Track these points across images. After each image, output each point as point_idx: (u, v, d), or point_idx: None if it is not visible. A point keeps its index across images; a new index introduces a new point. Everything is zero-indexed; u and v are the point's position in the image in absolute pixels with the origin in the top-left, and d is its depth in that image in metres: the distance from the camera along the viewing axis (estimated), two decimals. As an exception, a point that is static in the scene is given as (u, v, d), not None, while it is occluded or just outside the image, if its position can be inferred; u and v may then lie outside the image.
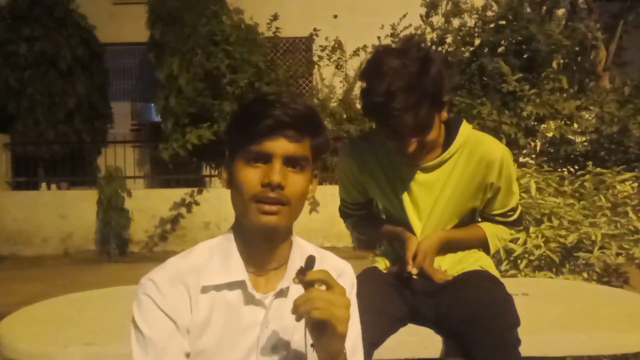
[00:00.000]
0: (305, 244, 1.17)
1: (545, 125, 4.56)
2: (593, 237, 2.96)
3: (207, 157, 7.60)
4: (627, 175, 3.55)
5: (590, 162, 3.98)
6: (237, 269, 1.08)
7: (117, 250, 6.97)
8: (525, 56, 5.30)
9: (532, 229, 3.05)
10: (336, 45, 8.58)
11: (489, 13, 5.68)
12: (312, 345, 1.00)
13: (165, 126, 7.43)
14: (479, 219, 1.81)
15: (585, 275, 2.99)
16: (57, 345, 1.54)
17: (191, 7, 7.51)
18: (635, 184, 3.57)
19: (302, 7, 9.37)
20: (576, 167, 4.52)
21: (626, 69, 7.30)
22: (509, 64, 4.91)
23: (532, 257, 2.97)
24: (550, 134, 4.64)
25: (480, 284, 1.60)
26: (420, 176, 1.65)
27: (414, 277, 1.65)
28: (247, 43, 7.29)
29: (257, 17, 7.75)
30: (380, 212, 1.85)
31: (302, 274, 0.97)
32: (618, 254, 2.97)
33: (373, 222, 1.86)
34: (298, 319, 0.96)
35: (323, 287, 0.97)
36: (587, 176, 3.56)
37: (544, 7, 6.16)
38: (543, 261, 3.00)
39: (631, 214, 3.22)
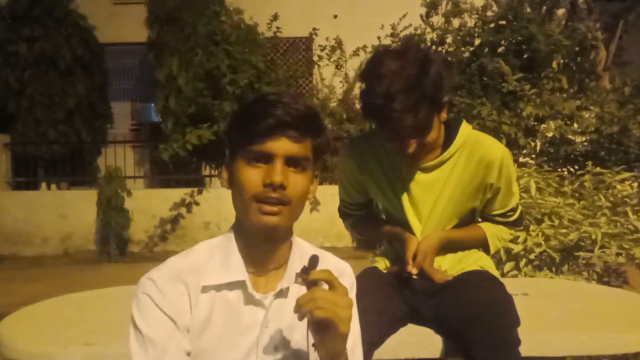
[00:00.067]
0: (305, 245, 1.17)
1: (545, 125, 4.56)
2: (593, 237, 2.96)
3: (207, 157, 7.60)
4: (627, 175, 3.55)
5: (590, 162, 3.98)
6: (237, 269, 1.08)
7: (117, 250, 6.96)
8: (525, 56, 5.30)
9: (532, 227, 3.06)
10: (336, 44, 8.57)
11: (489, 13, 5.68)
12: (313, 345, 1.00)
13: (165, 126, 7.42)
14: (479, 219, 1.81)
15: (585, 275, 3.00)
16: (57, 345, 1.54)
17: (191, 7, 7.50)
18: (635, 184, 3.57)
19: (302, 7, 9.37)
20: (576, 167, 4.52)
21: (626, 69, 7.29)
22: (509, 64, 4.91)
23: (532, 257, 2.98)
24: (550, 134, 4.64)
25: (480, 284, 1.60)
26: (420, 176, 1.65)
27: (414, 277, 1.65)
28: (247, 43, 7.29)
29: (257, 17, 7.75)
30: (380, 212, 1.85)
31: (305, 273, 0.97)
32: (618, 254, 2.97)
33: (373, 222, 1.86)
34: (300, 318, 0.96)
35: (325, 287, 0.97)
36: (587, 176, 3.57)
37: (544, 7, 6.16)
38: (543, 261, 3.01)
39: (631, 214, 3.22)
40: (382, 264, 1.79)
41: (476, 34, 5.56)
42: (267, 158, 1.03)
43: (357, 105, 7.51)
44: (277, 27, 8.03)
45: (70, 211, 7.33)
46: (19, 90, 7.87)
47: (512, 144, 4.35)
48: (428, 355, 1.57)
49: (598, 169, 3.63)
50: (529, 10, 5.67)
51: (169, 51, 7.45)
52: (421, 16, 5.94)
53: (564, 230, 3.02)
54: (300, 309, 0.94)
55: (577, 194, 3.50)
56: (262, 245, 1.08)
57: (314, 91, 9.03)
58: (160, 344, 1.01)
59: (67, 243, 7.32)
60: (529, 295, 1.99)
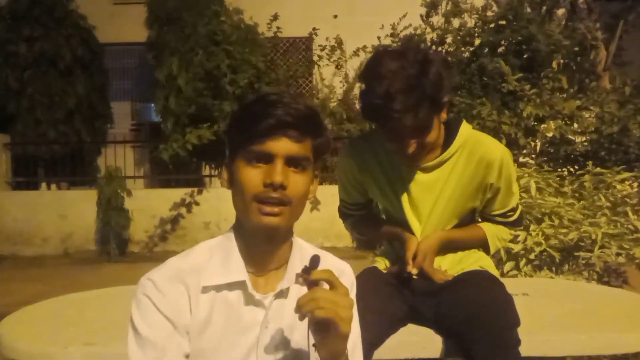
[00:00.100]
0: (305, 245, 1.17)
1: (545, 125, 4.56)
2: (593, 237, 2.96)
3: (207, 157, 7.60)
4: (627, 175, 3.55)
5: (590, 162, 3.98)
6: (237, 269, 1.08)
7: (117, 250, 6.96)
8: (525, 56, 5.30)
9: (532, 227, 3.06)
10: (337, 44, 8.57)
11: (489, 13, 5.68)
12: (314, 345, 1.00)
13: (165, 126, 7.42)
14: (479, 219, 1.81)
15: (585, 275, 3.00)
16: (57, 345, 1.54)
17: (191, 7, 7.50)
18: (635, 184, 3.57)
19: (302, 7, 9.37)
20: (576, 167, 4.52)
21: (626, 69, 7.29)
22: (509, 64, 4.91)
23: (532, 256, 2.98)
24: (550, 134, 4.64)
25: (480, 284, 1.60)
26: (420, 176, 1.65)
27: (414, 277, 1.65)
28: (247, 43, 7.30)
29: (257, 17, 7.75)
30: (380, 212, 1.85)
31: (306, 273, 0.97)
32: (618, 254, 2.98)
33: (373, 222, 1.86)
34: (301, 318, 0.96)
35: (326, 287, 0.97)
36: (587, 176, 3.57)
37: (544, 7, 6.17)
38: (543, 260, 3.01)
39: (631, 214, 3.22)
40: (382, 264, 1.79)
41: (476, 34, 5.56)
42: (268, 158, 1.03)
43: (357, 105, 7.51)
44: (277, 27, 8.03)
45: (70, 211, 7.33)
46: (19, 90, 7.87)
47: (512, 144, 4.35)
48: (428, 355, 1.57)
49: (598, 169, 3.63)
50: (529, 10, 5.67)
51: (168, 51, 7.45)
52: (421, 16, 5.94)
53: (564, 230, 3.02)
54: (301, 309, 0.94)
55: (577, 194, 3.50)
56: (262, 245, 1.08)
57: (314, 91, 9.03)
58: (158, 345, 1.01)
59: (67, 243, 7.32)
60: (529, 295, 1.99)
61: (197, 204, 7.31)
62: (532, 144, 4.77)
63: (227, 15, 7.52)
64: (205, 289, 1.06)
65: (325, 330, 0.96)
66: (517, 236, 2.97)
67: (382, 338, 1.51)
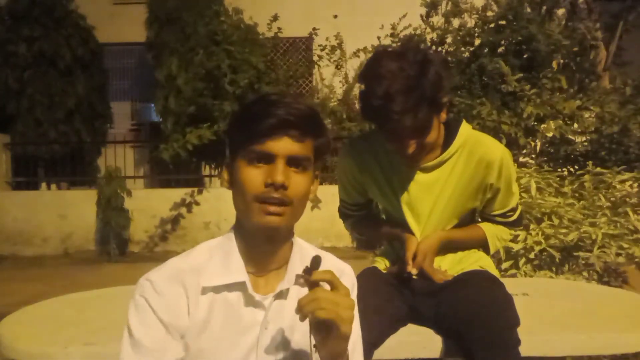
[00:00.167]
0: (306, 245, 1.17)
1: (545, 125, 4.56)
2: (593, 237, 2.96)
3: (207, 157, 7.60)
4: (627, 175, 3.55)
5: (590, 162, 3.98)
6: (238, 270, 1.07)
7: (117, 250, 6.96)
8: (525, 56, 5.30)
9: (532, 227, 3.06)
10: (337, 44, 8.57)
11: (489, 13, 5.68)
12: (314, 346, 1.00)
13: (165, 126, 7.42)
14: (479, 219, 1.81)
15: (585, 275, 3.00)
16: (57, 345, 1.54)
17: (191, 7, 7.50)
18: (635, 184, 3.57)
19: (302, 7, 9.37)
20: (576, 167, 4.52)
21: (626, 69, 7.29)
22: (509, 64, 4.91)
23: (532, 256, 2.98)
24: (550, 134, 4.64)
25: (480, 284, 1.60)
26: (419, 176, 1.65)
27: (414, 277, 1.65)
28: (248, 43, 7.29)
29: (257, 17, 7.75)
30: (380, 212, 1.85)
31: (307, 273, 0.97)
32: (618, 254, 2.98)
33: (373, 222, 1.86)
34: (302, 319, 0.95)
35: (327, 288, 0.97)
36: (587, 176, 3.57)
37: (544, 7, 6.16)
38: (543, 260, 3.01)
39: (631, 214, 3.22)
40: (382, 264, 1.79)
41: (476, 34, 5.56)
42: (269, 158, 1.03)
43: (357, 106, 7.51)
44: (278, 27, 8.03)
45: (70, 211, 7.33)
46: (19, 90, 7.87)
47: (512, 144, 4.35)
48: (428, 355, 1.57)
49: (598, 169, 3.63)
50: (529, 10, 5.67)
51: (168, 51, 7.45)
52: (421, 16, 5.94)
53: (564, 230, 3.02)
54: (302, 310, 0.94)
55: (577, 194, 3.50)
56: (262, 245, 1.08)
57: (314, 91, 9.03)
58: (151, 350, 1.00)
59: (67, 243, 7.32)
60: (529, 295, 1.99)
61: (197, 204, 7.31)
62: (532, 144, 4.77)
63: (227, 15, 7.52)
64: (205, 290, 1.06)
65: (326, 331, 0.96)
66: (517, 235, 2.97)
67: (382, 338, 1.51)
